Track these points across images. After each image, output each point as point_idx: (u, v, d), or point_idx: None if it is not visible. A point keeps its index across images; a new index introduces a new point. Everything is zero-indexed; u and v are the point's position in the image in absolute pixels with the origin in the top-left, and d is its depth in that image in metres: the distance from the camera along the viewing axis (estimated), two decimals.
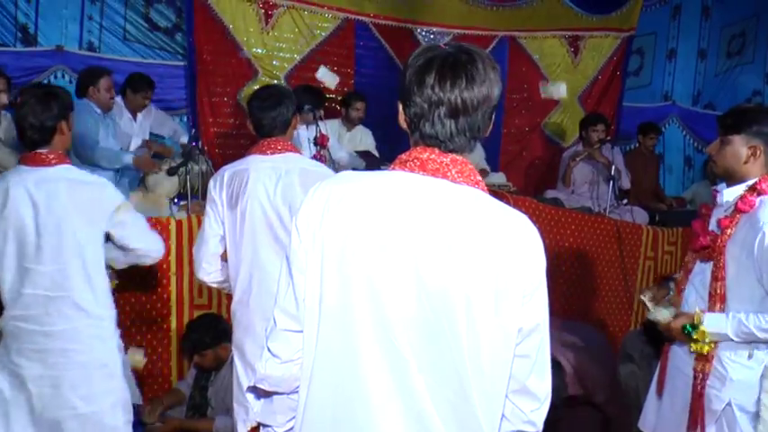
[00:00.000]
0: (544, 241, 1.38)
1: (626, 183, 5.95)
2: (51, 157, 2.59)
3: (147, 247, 2.74)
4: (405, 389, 1.31)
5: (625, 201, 5.66)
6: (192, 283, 4.05)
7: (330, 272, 1.36)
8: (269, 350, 1.47)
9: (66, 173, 2.60)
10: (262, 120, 2.84)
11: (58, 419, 2.61)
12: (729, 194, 2.47)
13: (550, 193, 5.91)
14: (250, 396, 1.57)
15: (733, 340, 2.38)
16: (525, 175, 6.84)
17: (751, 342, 2.38)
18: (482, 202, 1.37)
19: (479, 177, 1.40)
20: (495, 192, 5.01)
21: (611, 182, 5.45)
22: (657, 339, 3.26)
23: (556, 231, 4.99)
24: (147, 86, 5.01)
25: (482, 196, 1.38)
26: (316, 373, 1.37)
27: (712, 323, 2.41)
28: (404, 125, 1.43)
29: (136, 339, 3.89)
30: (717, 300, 2.43)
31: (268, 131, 2.86)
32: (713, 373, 2.46)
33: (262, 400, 1.55)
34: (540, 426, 1.43)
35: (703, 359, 2.46)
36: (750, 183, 2.43)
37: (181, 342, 3.94)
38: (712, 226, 2.51)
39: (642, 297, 2.74)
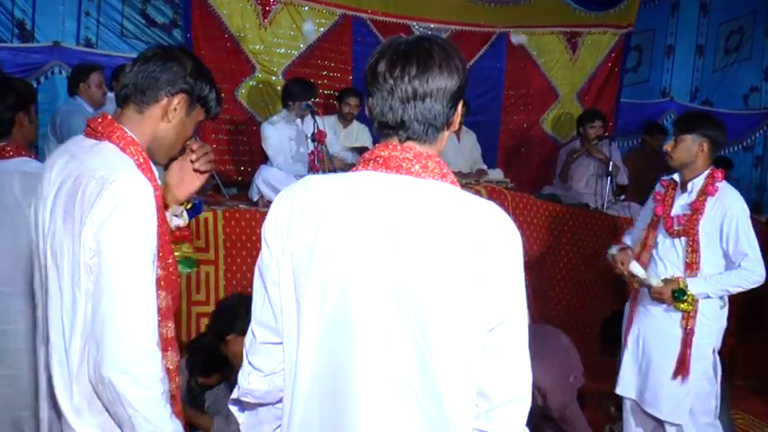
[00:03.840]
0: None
1: (623, 179, 5.95)
2: (8, 149, 2.52)
3: None
4: (386, 392, 1.29)
5: (623, 197, 5.67)
6: (190, 281, 4.05)
7: (303, 281, 1.33)
8: (251, 364, 1.45)
9: (22, 165, 2.51)
10: None
11: (17, 420, 2.49)
12: (697, 184, 3.15)
13: (548, 190, 5.91)
14: (234, 408, 1.54)
15: (710, 297, 3.10)
16: (523, 171, 6.83)
17: (721, 296, 3.14)
18: (448, 195, 1.33)
19: (446, 170, 1.36)
20: (493, 188, 5.02)
21: (609, 178, 5.45)
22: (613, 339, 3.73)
23: (553, 227, 4.99)
24: None
25: (447, 189, 1.34)
26: (299, 383, 1.35)
27: (696, 287, 3.08)
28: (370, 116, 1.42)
29: None
30: (693, 268, 3.10)
31: None
32: (701, 326, 3.11)
33: (246, 412, 1.53)
34: (501, 428, 1.34)
35: (688, 317, 3.11)
36: (706, 173, 3.14)
37: (187, 360, 3.77)
38: (678, 210, 3.18)
39: (631, 269, 3.22)
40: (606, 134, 5.84)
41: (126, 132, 1.70)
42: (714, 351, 3.20)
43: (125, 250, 1.56)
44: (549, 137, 7.10)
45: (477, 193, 5.14)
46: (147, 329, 1.57)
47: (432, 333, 1.28)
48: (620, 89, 7.25)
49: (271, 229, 1.38)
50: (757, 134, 7.21)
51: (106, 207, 1.54)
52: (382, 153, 1.35)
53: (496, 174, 5.71)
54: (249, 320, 1.47)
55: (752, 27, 7.20)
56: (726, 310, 3.20)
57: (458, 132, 6.15)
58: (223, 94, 6.19)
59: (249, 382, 1.45)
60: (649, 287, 3.20)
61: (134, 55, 5.38)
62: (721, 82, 7.37)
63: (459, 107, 1.39)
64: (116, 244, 1.55)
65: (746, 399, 4.54)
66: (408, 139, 1.35)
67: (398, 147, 1.35)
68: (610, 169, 5.44)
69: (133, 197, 1.57)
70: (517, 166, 6.76)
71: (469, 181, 5.32)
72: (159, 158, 1.79)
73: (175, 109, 1.76)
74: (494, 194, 5.20)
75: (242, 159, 5.85)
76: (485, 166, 6.02)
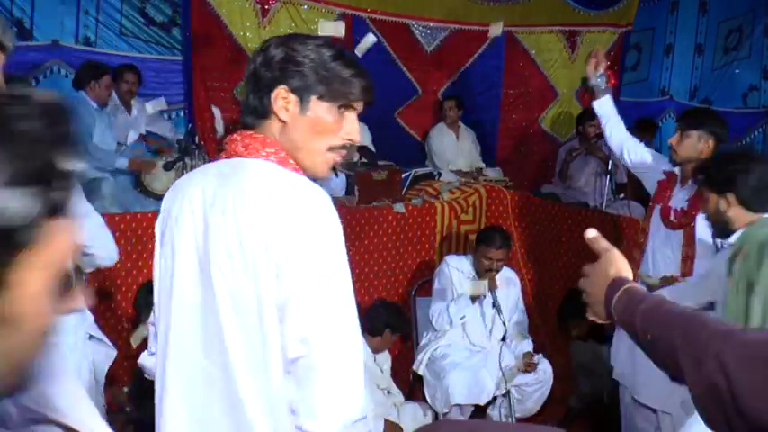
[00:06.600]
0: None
1: (623, 177, 5.96)
2: None
3: (100, 251, 2.39)
4: (191, 374, 1.44)
5: (622, 195, 5.67)
6: None
7: (162, 270, 1.50)
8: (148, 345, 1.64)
9: None
10: None
11: None
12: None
13: (547, 188, 5.92)
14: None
15: None
16: (522, 170, 6.82)
17: None
18: (258, 172, 1.38)
19: (271, 149, 1.40)
20: (492, 187, 5.01)
21: (608, 177, 5.45)
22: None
23: (553, 226, 4.99)
24: (124, 72, 5.08)
25: (261, 166, 1.40)
26: (165, 367, 1.49)
27: None
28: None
29: (132, 333, 3.89)
30: (689, 260, 3.09)
31: None
32: None
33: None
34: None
35: None
36: None
37: None
38: (677, 203, 3.19)
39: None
40: None
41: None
42: None
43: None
44: (548, 136, 7.10)
45: (476, 191, 5.15)
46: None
47: (231, 314, 1.36)
48: (619, 88, 7.25)
49: (157, 223, 1.56)
50: (756, 133, 7.22)
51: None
52: (229, 137, 1.52)
53: (495, 173, 5.71)
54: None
55: (751, 26, 7.21)
56: None
57: (456, 131, 6.16)
58: (222, 93, 6.17)
59: (143, 358, 1.64)
60: (650, 288, 3.08)
61: (133, 54, 5.46)
62: (720, 80, 7.37)
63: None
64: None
65: None
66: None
67: (244, 132, 1.50)
68: (609, 168, 5.44)
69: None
70: (516, 165, 6.76)
71: (468, 180, 5.32)
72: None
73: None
74: (492, 193, 5.20)
75: None
76: (483, 165, 6.02)
